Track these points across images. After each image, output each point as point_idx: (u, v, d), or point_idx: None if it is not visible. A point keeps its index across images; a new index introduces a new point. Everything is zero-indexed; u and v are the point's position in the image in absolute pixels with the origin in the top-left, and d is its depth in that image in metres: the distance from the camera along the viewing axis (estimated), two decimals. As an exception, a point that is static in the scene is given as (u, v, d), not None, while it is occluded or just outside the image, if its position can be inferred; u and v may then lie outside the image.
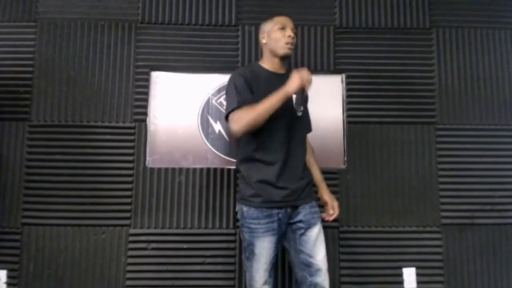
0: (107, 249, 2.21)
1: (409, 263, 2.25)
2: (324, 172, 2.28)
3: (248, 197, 1.75)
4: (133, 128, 2.30)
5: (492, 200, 2.32)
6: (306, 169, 1.87)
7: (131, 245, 2.21)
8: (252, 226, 1.72)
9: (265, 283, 1.71)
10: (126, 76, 2.34)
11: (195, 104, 2.36)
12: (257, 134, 1.73)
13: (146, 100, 2.33)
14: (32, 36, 2.34)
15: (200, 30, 2.39)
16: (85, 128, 2.29)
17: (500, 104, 2.41)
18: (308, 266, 1.73)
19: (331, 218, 1.89)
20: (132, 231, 2.22)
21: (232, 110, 1.71)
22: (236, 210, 1.84)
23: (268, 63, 1.85)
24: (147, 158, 2.28)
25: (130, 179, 2.25)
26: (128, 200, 2.24)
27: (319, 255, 1.73)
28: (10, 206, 2.21)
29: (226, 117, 1.76)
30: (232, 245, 2.22)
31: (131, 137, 2.29)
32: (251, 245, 1.72)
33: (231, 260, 2.21)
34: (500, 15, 2.49)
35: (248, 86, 1.75)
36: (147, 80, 2.34)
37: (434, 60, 2.43)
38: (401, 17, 2.46)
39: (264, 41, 1.86)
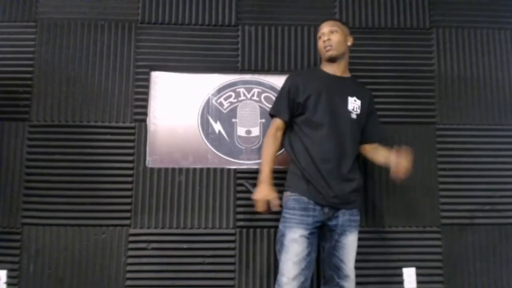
0: (107, 249, 2.21)
1: (409, 263, 2.25)
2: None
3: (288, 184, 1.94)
4: (133, 128, 2.30)
5: (492, 200, 2.32)
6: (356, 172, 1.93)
7: (131, 245, 2.21)
8: (287, 215, 1.83)
9: (294, 278, 1.71)
10: (126, 76, 2.34)
11: (195, 104, 2.36)
12: None
13: (146, 100, 2.33)
14: (32, 36, 2.34)
15: (200, 30, 2.39)
16: (85, 128, 2.29)
17: (500, 104, 2.41)
18: (338, 269, 1.82)
19: (398, 174, 1.85)
20: (132, 231, 2.22)
21: (271, 115, 2.01)
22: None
23: (325, 67, 2.01)
24: (147, 158, 2.28)
25: (130, 179, 2.25)
26: (128, 200, 2.24)
27: (350, 263, 1.83)
28: (10, 206, 2.21)
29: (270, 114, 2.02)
30: (232, 245, 2.22)
31: (131, 137, 2.29)
32: (282, 236, 1.81)
33: (231, 260, 2.21)
34: (500, 15, 2.49)
35: (289, 94, 1.93)
36: (147, 80, 2.35)
37: (434, 60, 2.43)
38: (401, 17, 2.46)
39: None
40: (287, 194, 1.87)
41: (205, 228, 2.23)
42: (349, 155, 1.87)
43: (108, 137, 2.29)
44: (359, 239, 2.23)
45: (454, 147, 2.36)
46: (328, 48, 1.92)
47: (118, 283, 2.18)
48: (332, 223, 1.83)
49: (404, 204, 2.30)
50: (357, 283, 2.21)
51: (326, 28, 1.96)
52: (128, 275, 2.19)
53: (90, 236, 2.21)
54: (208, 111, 2.36)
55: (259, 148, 2.30)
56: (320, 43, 1.97)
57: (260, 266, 2.21)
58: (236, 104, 2.37)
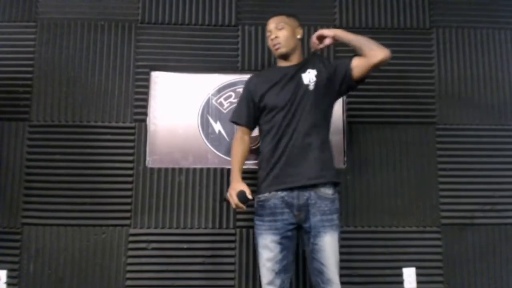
0: (107, 249, 2.21)
1: (409, 263, 2.25)
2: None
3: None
4: (133, 128, 2.30)
5: (492, 200, 2.32)
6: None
7: (131, 245, 2.21)
8: (256, 221, 1.85)
9: (269, 283, 1.72)
10: (126, 76, 2.34)
11: (195, 104, 2.36)
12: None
13: (146, 100, 2.33)
14: (32, 36, 2.34)
15: (200, 30, 2.39)
16: (85, 128, 2.29)
17: (500, 104, 2.41)
18: (321, 273, 1.73)
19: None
20: (132, 231, 2.22)
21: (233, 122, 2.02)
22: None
23: (280, 63, 1.97)
24: (147, 158, 2.28)
25: (130, 179, 2.25)
26: (128, 200, 2.24)
27: (332, 266, 1.72)
28: (10, 206, 2.21)
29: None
30: (232, 245, 2.22)
31: (131, 137, 2.29)
32: (256, 243, 1.83)
33: (231, 260, 2.21)
34: (500, 15, 2.49)
35: (246, 98, 1.94)
36: (147, 80, 2.35)
37: (434, 60, 2.43)
38: (401, 17, 2.46)
39: None
40: (255, 199, 1.83)
41: (205, 228, 2.23)
42: (309, 128, 1.79)
43: (108, 137, 2.29)
44: (361, 239, 2.25)
45: (454, 147, 2.36)
46: (277, 46, 1.87)
47: (118, 283, 2.18)
48: (306, 225, 1.75)
49: (404, 204, 2.30)
50: (357, 283, 2.22)
51: (272, 25, 1.90)
52: (128, 275, 2.19)
53: (90, 236, 2.21)
54: (208, 111, 2.36)
55: (259, 148, 2.30)
56: (269, 42, 1.92)
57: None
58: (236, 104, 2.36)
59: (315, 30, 2.40)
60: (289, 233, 1.76)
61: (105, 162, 2.26)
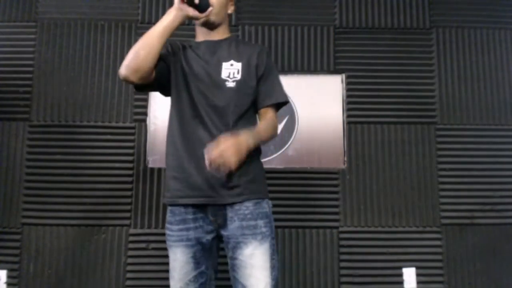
0: (107, 249, 2.20)
1: (409, 263, 2.25)
2: (324, 172, 2.29)
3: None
4: (133, 128, 2.30)
5: (492, 200, 2.32)
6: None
7: (131, 245, 2.21)
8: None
9: None
10: (126, 76, 2.33)
11: (195, 104, 2.35)
12: None
13: (146, 100, 2.33)
14: (32, 36, 2.34)
15: (200, 30, 2.39)
16: (85, 128, 2.29)
17: (500, 104, 2.41)
18: None
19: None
20: (132, 231, 2.22)
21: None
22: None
23: (199, 36, 1.63)
24: (147, 158, 2.28)
25: (130, 179, 2.25)
26: (128, 200, 2.24)
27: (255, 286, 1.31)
28: (10, 206, 2.21)
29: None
30: (232, 245, 2.22)
31: (131, 137, 2.29)
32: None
33: (231, 260, 2.21)
34: (500, 15, 2.48)
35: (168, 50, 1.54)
36: (147, 80, 2.34)
37: (434, 60, 2.43)
38: (401, 17, 2.46)
39: None
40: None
41: (205, 228, 2.23)
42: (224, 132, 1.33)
43: (108, 137, 2.28)
44: (361, 239, 2.24)
45: (454, 147, 2.36)
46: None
47: (118, 283, 2.18)
48: (225, 233, 1.37)
49: (404, 204, 2.30)
50: (357, 283, 2.22)
51: None
52: (128, 275, 2.19)
53: (90, 236, 2.21)
54: (208, 111, 2.35)
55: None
56: None
57: (260, 266, 2.21)
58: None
59: (315, 30, 2.42)
60: (208, 243, 1.42)
61: (105, 162, 2.26)
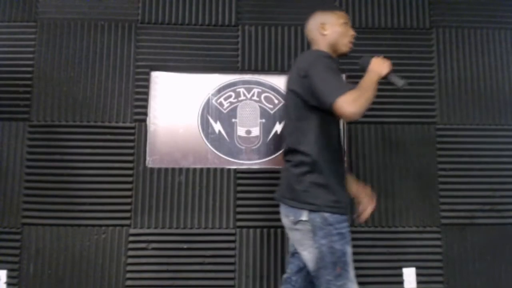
0: (107, 249, 2.21)
1: (409, 263, 2.25)
2: (324, 172, 2.28)
3: (331, 203, 1.48)
4: (133, 128, 2.30)
5: (492, 200, 2.32)
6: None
7: (131, 245, 2.21)
8: (344, 230, 1.49)
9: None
10: (126, 76, 2.34)
11: (195, 104, 2.36)
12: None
13: (146, 100, 2.33)
14: (32, 36, 2.34)
15: (200, 30, 2.39)
16: (85, 128, 2.29)
17: (500, 104, 2.41)
18: None
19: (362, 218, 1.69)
20: (132, 231, 2.22)
21: (343, 93, 1.46)
22: (305, 219, 1.48)
23: None
24: (147, 158, 2.28)
25: (130, 179, 2.25)
26: (128, 200, 2.24)
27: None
28: (10, 206, 2.21)
29: (328, 104, 1.46)
30: (232, 245, 2.22)
31: (131, 137, 2.29)
32: (344, 255, 1.46)
33: (231, 260, 2.21)
34: (500, 15, 2.49)
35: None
36: (147, 80, 2.34)
37: (434, 60, 2.43)
38: (401, 17, 2.46)
39: (325, 32, 1.64)
40: (324, 215, 1.47)
41: (205, 228, 2.23)
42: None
43: (108, 137, 2.29)
44: (361, 239, 2.24)
45: (454, 147, 2.36)
46: (351, 45, 1.69)
47: (118, 283, 2.18)
48: None
49: (404, 204, 2.30)
50: (358, 283, 2.22)
51: (348, 21, 1.69)
52: (128, 275, 2.19)
53: (90, 236, 2.21)
54: (208, 111, 2.36)
55: (259, 148, 2.31)
56: (348, 37, 1.66)
57: (260, 266, 2.21)
58: (236, 104, 2.37)
59: (315, 30, 2.41)
60: None
61: (105, 162, 2.26)
